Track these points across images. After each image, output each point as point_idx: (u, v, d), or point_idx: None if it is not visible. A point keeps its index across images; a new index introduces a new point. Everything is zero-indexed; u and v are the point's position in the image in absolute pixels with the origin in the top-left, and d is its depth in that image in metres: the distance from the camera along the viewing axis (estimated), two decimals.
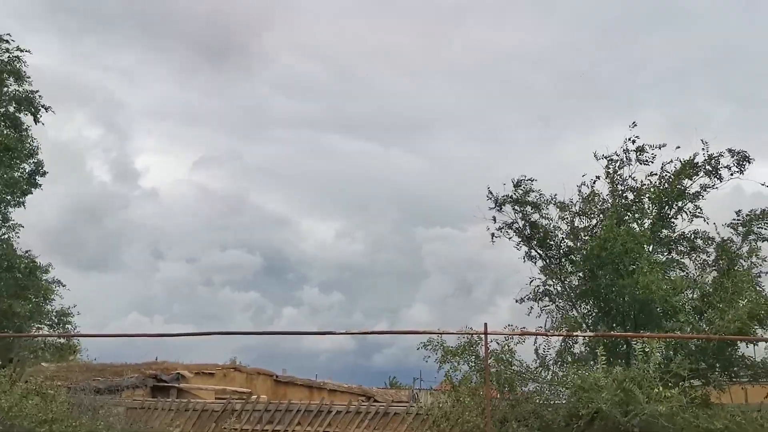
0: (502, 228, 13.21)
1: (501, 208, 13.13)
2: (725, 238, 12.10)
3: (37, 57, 22.60)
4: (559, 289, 12.78)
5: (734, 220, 12.12)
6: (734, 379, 11.94)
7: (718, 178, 12.32)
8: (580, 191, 13.04)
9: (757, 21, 54.15)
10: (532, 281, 12.98)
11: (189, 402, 13.32)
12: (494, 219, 13.26)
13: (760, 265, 11.55)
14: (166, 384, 16.71)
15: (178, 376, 17.28)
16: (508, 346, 10.50)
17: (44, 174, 18.27)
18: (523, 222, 13.09)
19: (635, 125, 12.79)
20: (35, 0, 54.17)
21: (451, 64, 63.64)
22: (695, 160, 12.28)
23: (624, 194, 12.72)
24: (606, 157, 12.94)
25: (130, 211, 57.25)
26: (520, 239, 13.21)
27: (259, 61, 66.62)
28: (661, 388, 8.38)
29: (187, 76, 63.21)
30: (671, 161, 12.51)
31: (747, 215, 12.03)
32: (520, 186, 13.02)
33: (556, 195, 13.06)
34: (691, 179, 12.31)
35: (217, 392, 17.28)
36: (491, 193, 13.22)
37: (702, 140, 12.38)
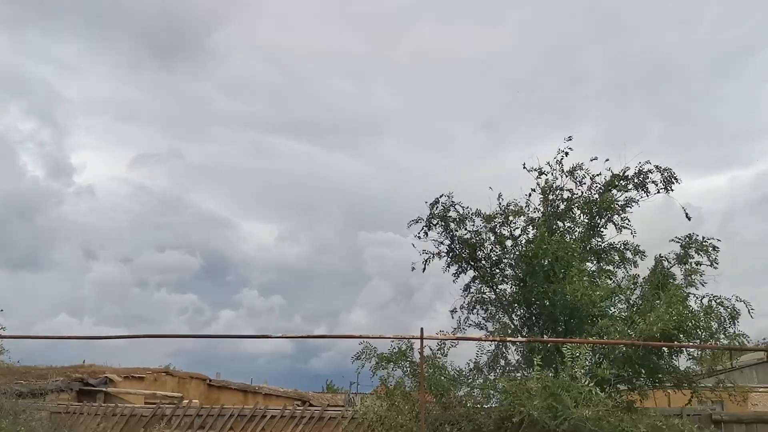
0: (432, 255, 13.24)
1: (430, 228, 13.17)
2: (661, 256, 12.51)
3: None
4: (492, 296, 12.99)
5: (677, 239, 12.49)
6: (657, 385, 12.39)
7: (645, 192, 12.77)
8: (500, 202, 13.18)
9: (692, 41, 56.64)
10: (467, 290, 13.18)
11: (116, 407, 12.92)
12: (419, 236, 13.23)
13: (695, 287, 11.93)
14: (92, 388, 16.17)
15: (106, 380, 16.77)
16: (443, 351, 10.63)
17: None
18: (449, 242, 13.14)
19: (570, 139, 13.04)
20: None
21: (398, 69, 64.07)
22: (626, 174, 12.69)
23: (556, 204, 13.03)
24: (536, 170, 13.18)
25: (63, 208, 55.21)
26: (449, 258, 13.27)
27: (206, 59, 65.51)
28: (588, 391, 8.63)
29: (132, 71, 61.42)
30: (600, 173, 12.88)
31: (683, 239, 12.39)
32: (439, 204, 13.02)
33: (478, 209, 13.12)
34: (620, 191, 12.71)
35: (147, 397, 16.83)
36: (421, 219, 13.18)
37: (630, 155, 12.82)
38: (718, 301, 11.24)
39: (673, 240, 12.48)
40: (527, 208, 13.03)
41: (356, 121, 68.14)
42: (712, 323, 10.99)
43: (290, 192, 70.04)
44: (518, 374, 9.49)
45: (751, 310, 11.21)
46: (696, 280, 11.86)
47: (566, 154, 13.00)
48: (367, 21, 62.74)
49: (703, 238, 12.20)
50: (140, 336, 9.98)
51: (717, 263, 12.01)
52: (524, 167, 13.27)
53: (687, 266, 12.01)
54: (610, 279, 12.65)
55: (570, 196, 12.96)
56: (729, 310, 11.11)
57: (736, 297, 11.31)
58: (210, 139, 66.24)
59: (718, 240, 12.19)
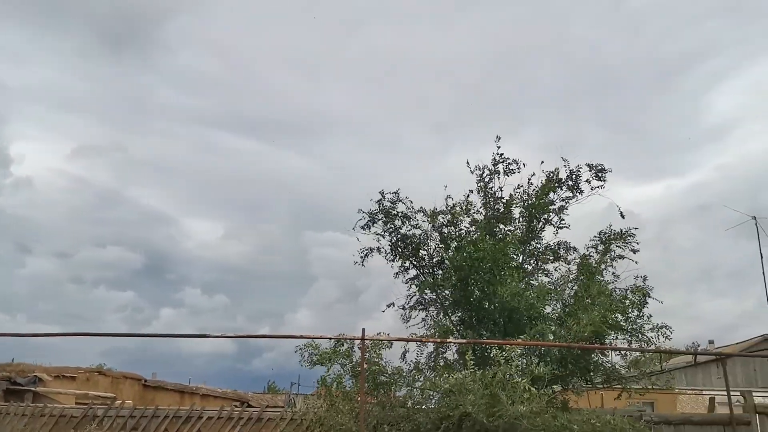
0: (371, 250, 13.29)
1: (373, 224, 13.20)
2: (586, 254, 12.92)
3: None
4: (433, 296, 13.10)
5: (595, 236, 12.96)
6: (589, 384, 12.75)
7: (579, 192, 13.13)
8: (446, 202, 13.36)
9: (635, 53, 58.52)
10: (409, 288, 13.27)
11: (45, 407, 12.45)
12: (364, 228, 13.23)
13: (615, 281, 12.43)
14: (21, 387, 15.54)
15: (36, 379, 16.14)
16: (383, 351, 10.65)
17: None
18: (392, 236, 13.19)
19: (499, 138, 13.37)
20: None
21: (349, 68, 63.91)
22: (559, 176, 13.03)
23: (495, 206, 13.27)
24: (479, 169, 13.41)
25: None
26: (392, 255, 13.33)
27: (156, 50, 63.49)
28: (524, 389, 8.81)
29: (80, 60, 58.97)
30: (534, 174, 13.24)
31: (606, 234, 12.87)
32: (385, 198, 13.07)
33: (422, 207, 13.21)
34: (555, 192, 13.05)
35: (78, 397, 16.28)
36: (365, 213, 13.21)
37: (562, 158, 13.20)
38: (632, 289, 11.81)
39: (594, 237, 12.92)
40: (470, 209, 13.22)
41: (305, 119, 67.58)
42: (630, 312, 11.51)
43: (236, 189, 68.95)
44: (458, 374, 9.59)
45: (650, 292, 11.83)
46: (614, 269, 12.38)
47: (501, 155, 13.29)
48: (319, 19, 62.41)
49: (621, 229, 12.68)
50: (72, 334, 9.65)
51: (636, 251, 12.55)
52: (467, 166, 13.51)
53: (607, 256, 12.50)
54: (548, 277, 13.01)
55: (509, 198, 13.23)
56: (639, 295, 11.68)
57: (642, 278, 11.98)
58: (154, 133, 64.47)
59: (635, 228, 12.74)
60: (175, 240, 66.62)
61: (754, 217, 19.27)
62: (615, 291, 12.24)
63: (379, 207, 13.08)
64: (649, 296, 11.91)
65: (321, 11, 59.44)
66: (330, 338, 10.67)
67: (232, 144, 66.63)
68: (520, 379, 8.96)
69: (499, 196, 13.36)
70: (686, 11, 57.60)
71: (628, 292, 12.09)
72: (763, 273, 19.52)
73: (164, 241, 66.67)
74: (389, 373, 10.71)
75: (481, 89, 60.75)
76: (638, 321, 11.71)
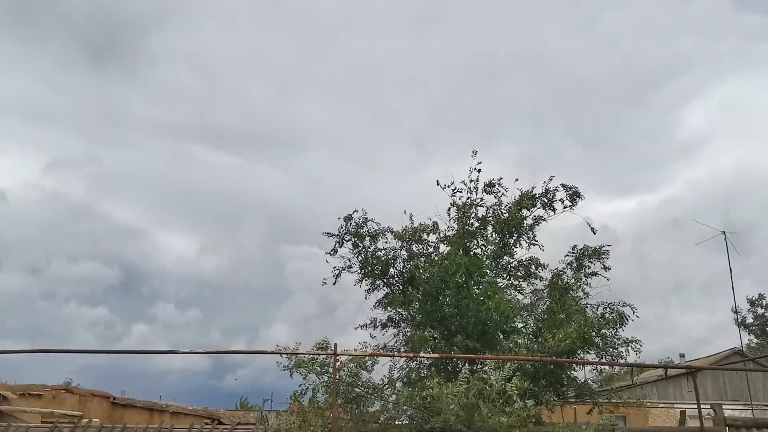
0: (342, 269, 13.35)
1: (342, 244, 13.23)
2: (558, 269, 12.99)
3: None
4: (403, 314, 13.06)
5: (568, 253, 13.04)
6: (562, 399, 12.79)
7: (552, 210, 13.22)
8: (412, 222, 13.38)
9: (606, 70, 59.55)
10: (379, 307, 13.25)
11: (9, 426, 12.09)
12: (331, 253, 13.34)
13: (587, 297, 12.53)
14: None
15: (1, 397, 15.70)
16: (358, 366, 10.55)
17: None
18: (361, 257, 13.24)
19: (476, 153, 13.30)
20: None
21: (324, 81, 63.91)
22: (533, 193, 13.11)
23: (470, 222, 13.28)
24: (449, 186, 13.39)
25: None
26: (361, 274, 13.34)
27: (138, 63, 62.74)
28: (503, 402, 8.80)
29: (60, 72, 58.04)
30: (507, 190, 13.29)
31: (579, 250, 12.96)
32: (352, 219, 13.15)
33: (389, 227, 13.32)
34: (529, 210, 13.12)
35: (44, 415, 15.86)
36: (333, 235, 13.30)
37: (547, 180, 13.27)
38: (610, 307, 11.90)
39: (567, 254, 13.02)
40: (440, 227, 13.23)
41: (280, 132, 67.33)
42: (605, 330, 11.61)
43: (210, 203, 68.14)
44: (429, 388, 9.53)
45: (635, 311, 11.99)
46: (588, 285, 12.48)
47: (479, 171, 13.29)
48: (294, 32, 62.41)
49: (595, 247, 12.79)
50: (36, 351, 9.40)
51: (608, 268, 12.68)
52: (438, 184, 13.47)
53: (581, 273, 12.59)
54: (521, 293, 13.05)
55: (483, 214, 13.26)
56: (616, 315, 11.80)
57: (623, 302, 12.06)
58: (129, 146, 63.52)
59: (609, 245, 12.86)
60: (149, 254, 65.54)
61: (723, 232, 19.59)
62: (589, 307, 12.33)
63: (347, 228, 13.11)
64: (628, 318, 12.01)
65: (294, 24, 59.62)
66: (303, 354, 10.56)
67: (207, 157, 66.04)
68: (506, 390, 8.92)
69: (474, 212, 13.38)
70: (658, 29, 59.00)
71: (604, 309, 12.18)
72: (732, 287, 19.84)
73: (138, 255, 65.56)
74: (361, 386, 10.62)
75: (455, 102, 61.23)
76: (614, 338, 11.82)
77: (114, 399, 20.47)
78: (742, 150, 58.25)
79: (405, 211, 13.35)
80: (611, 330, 11.84)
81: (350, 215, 13.12)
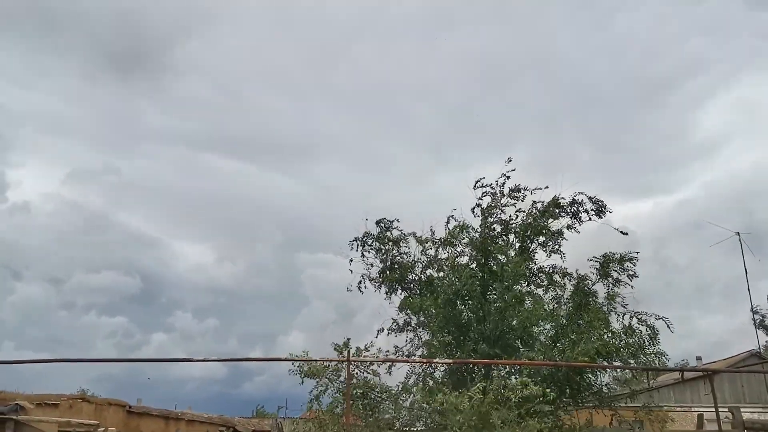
0: (366, 275, 13.47)
1: (364, 247, 13.31)
2: (582, 275, 12.88)
3: None
4: (422, 319, 13.04)
5: (594, 258, 12.90)
6: (581, 404, 12.66)
7: (578, 221, 13.16)
8: (448, 223, 13.46)
9: (619, 72, 59.32)
10: (399, 312, 13.24)
11: None
12: (361, 254, 13.46)
13: (615, 307, 12.34)
14: (2, 416, 15.19)
15: (17, 407, 15.77)
16: (372, 372, 10.56)
17: None
18: (383, 263, 13.38)
19: (510, 161, 13.36)
20: None
21: (337, 89, 64.17)
22: (560, 202, 13.04)
23: (492, 227, 13.25)
24: (483, 186, 13.42)
25: None
26: (381, 280, 13.40)
27: (157, 74, 63.35)
28: (518, 414, 8.72)
29: (82, 84, 58.81)
30: (541, 202, 13.21)
31: (604, 257, 12.81)
32: (382, 223, 13.37)
33: (414, 232, 13.47)
34: (556, 218, 13.07)
35: (61, 425, 15.89)
36: (357, 239, 13.47)
37: (579, 192, 13.16)
38: (640, 318, 11.68)
39: (591, 259, 12.91)
40: (462, 232, 13.24)
41: (294, 141, 67.63)
42: (631, 341, 11.42)
43: (225, 211, 68.58)
44: (444, 394, 9.48)
45: (670, 326, 11.72)
46: (617, 297, 12.30)
47: (508, 177, 13.30)
48: (307, 42, 62.72)
49: (620, 254, 12.66)
50: (52, 360, 9.47)
51: (636, 276, 12.52)
52: (476, 186, 13.49)
53: (608, 281, 12.44)
54: (538, 302, 12.94)
55: (507, 219, 13.22)
56: (649, 329, 11.56)
57: (656, 315, 11.80)
58: (146, 156, 64.14)
59: (636, 252, 12.69)
60: (166, 263, 65.99)
61: (738, 233, 19.41)
62: (614, 314, 12.17)
63: (376, 234, 13.30)
64: (658, 335, 11.80)
65: (307, 35, 59.88)
66: (317, 360, 10.58)
67: (221, 166, 66.51)
68: (512, 402, 8.86)
69: (497, 215, 13.38)
70: (670, 30, 58.63)
71: (630, 318, 11.96)
72: (748, 288, 19.64)
73: (155, 264, 66.02)
74: (377, 392, 10.61)
75: (468, 108, 61.26)
76: (639, 350, 11.62)
77: (130, 407, 20.51)
78: (759, 150, 57.74)
79: (433, 226, 13.54)
80: (638, 343, 11.62)
81: (380, 220, 13.35)
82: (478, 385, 8.98)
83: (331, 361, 10.39)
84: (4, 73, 56.82)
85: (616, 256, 12.64)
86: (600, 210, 13.04)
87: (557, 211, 13.14)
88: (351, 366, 9.61)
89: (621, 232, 12.93)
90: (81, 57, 59.66)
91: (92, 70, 60.45)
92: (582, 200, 13.10)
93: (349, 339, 10.78)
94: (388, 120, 66.18)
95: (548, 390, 10.64)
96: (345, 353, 9.83)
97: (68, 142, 63.94)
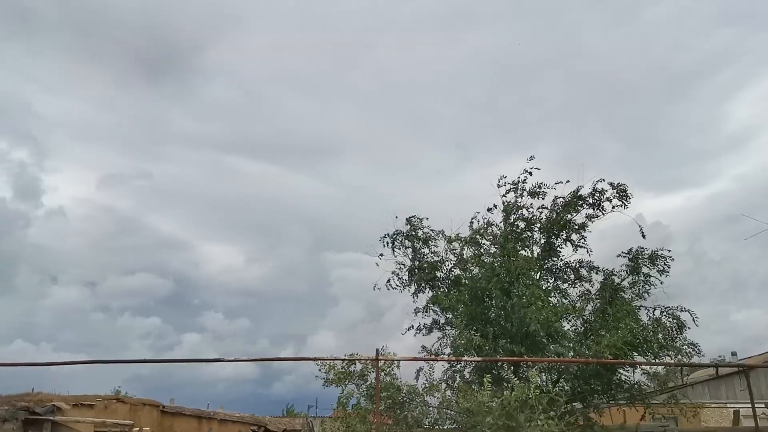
0: (395, 273, 13.54)
1: (394, 244, 13.37)
2: (610, 270, 12.73)
3: None
4: (449, 316, 13.02)
5: (623, 253, 12.73)
6: (612, 402, 12.52)
7: (601, 211, 12.93)
8: (472, 223, 13.47)
9: (647, 64, 58.36)
10: (425, 311, 13.28)
11: None
12: (381, 255, 13.51)
13: (641, 299, 12.20)
14: (39, 417, 15.55)
15: (54, 408, 16.13)
16: (398, 371, 10.58)
17: None
18: (412, 261, 13.38)
19: (533, 158, 13.22)
20: None
21: (358, 89, 64.23)
22: (580, 193, 12.88)
23: (516, 223, 13.18)
24: (505, 185, 13.32)
25: (30, 231, 53.48)
26: (409, 279, 13.44)
27: (186, 79, 64.16)
28: (542, 411, 8.65)
29: (114, 90, 59.93)
30: (562, 197, 13.03)
31: (633, 252, 12.64)
32: (411, 222, 13.41)
33: (442, 230, 13.50)
34: (577, 211, 12.90)
35: (97, 425, 16.25)
36: (388, 236, 13.54)
37: (596, 180, 12.97)
38: (668, 311, 11.55)
39: (620, 255, 12.73)
40: (489, 228, 13.23)
41: (317, 141, 67.90)
42: (659, 335, 11.28)
43: (252, 213, 69.22)
44: (472, 393, 9.46)
45: (695, 319, 11.58)
46: (645, 292, 12.16)
47: (530, 173, 13.17)
48: (325, 39, 62.86)
49: (653, 250, 12.47)
50: (85, 362, 9.65)
51: (667, 272, 12.33)
52: (498, 185, 13.41)
53: (637, 277, 12.30)
54: (565, 298, 12.83)
55: (530, 216, 13.13)
56: (676, 321, 11.45)
57: (681, 307, 11.68)
58: (174, 160, 65.04)
59: (668, 250, 12.49)
60: (197, 265, 66.92)
61: None
62: (643, 309, 12.04)
63: (405, 231, 13.34)
64: (686, 326, 11.66)
65: (327, 34, 60.05)
66: (344, 359, 10.63)
67: (247, 169, 67.06)
68: (539, 400, 8.79)
69: (521, 214, 13.28)
70: (697, 21, 57.53)
71: (660, 312, 11.84)
72: None
73: (186, 266, 67.01)
74: (405, 392, 10.62)
75: (491, 104, 60.77)
76: (669, 343, 11.49)
77: (163, 407, 20.84)
78: None
79: (459, 224, 13.48)
80: (667, 336, 11.49)
81: (410, 217, 13.42)
82: (507, 385, 8.92)
83: (359, 359, 10.43)
84: (40, 82, 58.09)
85: (646, 252, 12.45)
86: (622, 195, 12.77)
87: (579, 202, 12.93)
88: (379, 366, 9.62)
89: (641, 232, 12.71)
90: (113, 64, 60.68)
91: (124, 76, 61.47)
92: (602, 188, 12.83)
93: (386, 346, 10.84)
94: (412, 118, 66.06)
95: (578, 387, 10.56)
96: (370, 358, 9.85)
97: (100, 147, 65.08)
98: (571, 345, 11.44)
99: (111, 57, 59.03)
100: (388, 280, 13.50)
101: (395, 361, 10.45)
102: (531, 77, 61.33)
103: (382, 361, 10.06)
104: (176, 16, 56.33)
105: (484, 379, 9.52)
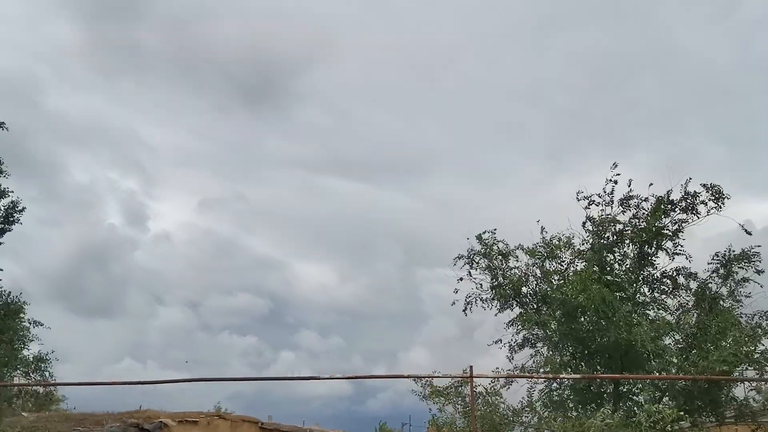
0: (473, 297, 13.22)
1: (471, 265, 13.15)
2: (705, 279, 12.09)
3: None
4: (540, 334, 12.69)
5: (714, 259, 12.11)
6: (720, 420, 11.86)
7: (695, 214, 12.29)
8: (543, 236, 13.08)
9: (748, 62, 55.35)
10: (513, 326, 12.99)
11: None
12: (465, 278, 13.29)
13: (741, 306, 11.56)
14: None
15: (161, 424, 16.92)
16: (494, 389, 10.43)
17: (22, 210, 16.50)
18: (493, 278, 13.07)
19: (616, 166, 12.69)
20: (76, 36, 55.34)
21: (445, 102, 64.34)
22: (671, 198, 12.28)
23: (605, 235, 12.69)
24: (586, 198, 12.83)
25: (138, 254, 57.15)
26: (493, 296, 13.13)
27: (283, 104, 67.09)
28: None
29: (216, 116, 63.91)
30: (646, 198, 12.44)
31: (725, 256, 12.01)
32: (482, 240, 13.08)
33: (521, 244, 13.11)
34: (668, 215, 12.28)
35: None
36: (462, 256, 13.31)
37: (685, 181, 12.44)
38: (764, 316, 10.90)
39: (712, 260, 12.05)
40: (574, 241, 12.83)
41: (405, 157, 68.54)
42: (763, 345, 10.64)
43: (343, 231, 70.66)
44: (573, 413, 9.18)
45: None
46: (746, 296, 11.51)
47: (615, 183, 12.65)
48: (410, 54, 63.40)
49: (743, 249, 11.77)
50: (182, 380, 10.05)
51: (761, 271, 11.63)
52: (578, 198, 12.94)
53: (732, 282, 11.65)
54: (665, 310, 12.27)
55: (622, 228, 12.57)
56: None
57: None
58: (268, 182, 67.80)
59: (758, 246, 11.72)
60: (291, 284, 69.02)
61: None
62: (743, 317, 11.42)
63: (478, 250, 13.10)
64: None
65: (411, 47, 60.50)
66: (438, 377, 10.60)
67: (338, 187, 68.50)
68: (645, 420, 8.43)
69: (610, 225, 12.72)
70: None
71: (760, 318, 11.21)
72: None
73: (281, 286, 69.32)
74: (500, 412, 10.46)
75: (582, 111, 59.13)
76: None
77: (262, 424, 21.40)
78: None
79: (538, 221, 13.18)
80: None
81: (480, 234, 13.13)
82: (606, 407, 8.62)
83: (452, 377, 10.36)
84: (147, 113, 62.17)
85: (735, 253, 11.79)
86: (718, 197, 12.03)
87: (671, 207, 12.30)
88: (474, 384, 9.53)
89: (745, 231, 11.99)
90: (214, 92, 64.14)
91: (224, 103, 64.82)
92: (696, 191, 12.10)
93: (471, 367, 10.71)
94: (500, 129, 65.38)
95: (684, 407, 10.05)
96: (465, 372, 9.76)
97: (200, 173, 68.67)
98: (675, 361, 10.92)
99: (212, 85, 62.26)
100: (467, 303, 13.16)
101: (491, 379, 10.33)
102: (624, 81, 59.32)
103: (476, 379, 9.95)
104: (274, 43, 58.70)
105: (587, 397, 9.22)
